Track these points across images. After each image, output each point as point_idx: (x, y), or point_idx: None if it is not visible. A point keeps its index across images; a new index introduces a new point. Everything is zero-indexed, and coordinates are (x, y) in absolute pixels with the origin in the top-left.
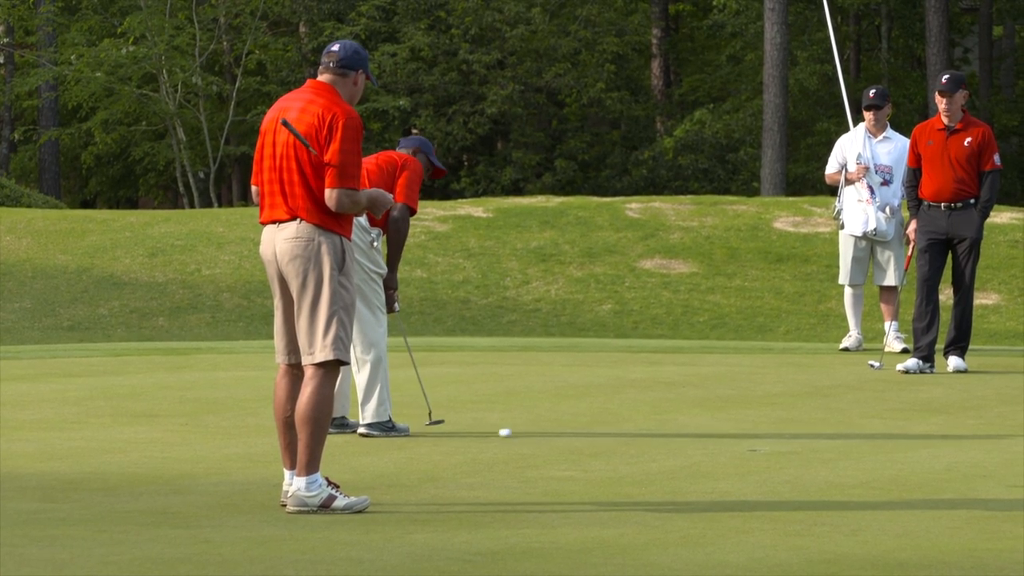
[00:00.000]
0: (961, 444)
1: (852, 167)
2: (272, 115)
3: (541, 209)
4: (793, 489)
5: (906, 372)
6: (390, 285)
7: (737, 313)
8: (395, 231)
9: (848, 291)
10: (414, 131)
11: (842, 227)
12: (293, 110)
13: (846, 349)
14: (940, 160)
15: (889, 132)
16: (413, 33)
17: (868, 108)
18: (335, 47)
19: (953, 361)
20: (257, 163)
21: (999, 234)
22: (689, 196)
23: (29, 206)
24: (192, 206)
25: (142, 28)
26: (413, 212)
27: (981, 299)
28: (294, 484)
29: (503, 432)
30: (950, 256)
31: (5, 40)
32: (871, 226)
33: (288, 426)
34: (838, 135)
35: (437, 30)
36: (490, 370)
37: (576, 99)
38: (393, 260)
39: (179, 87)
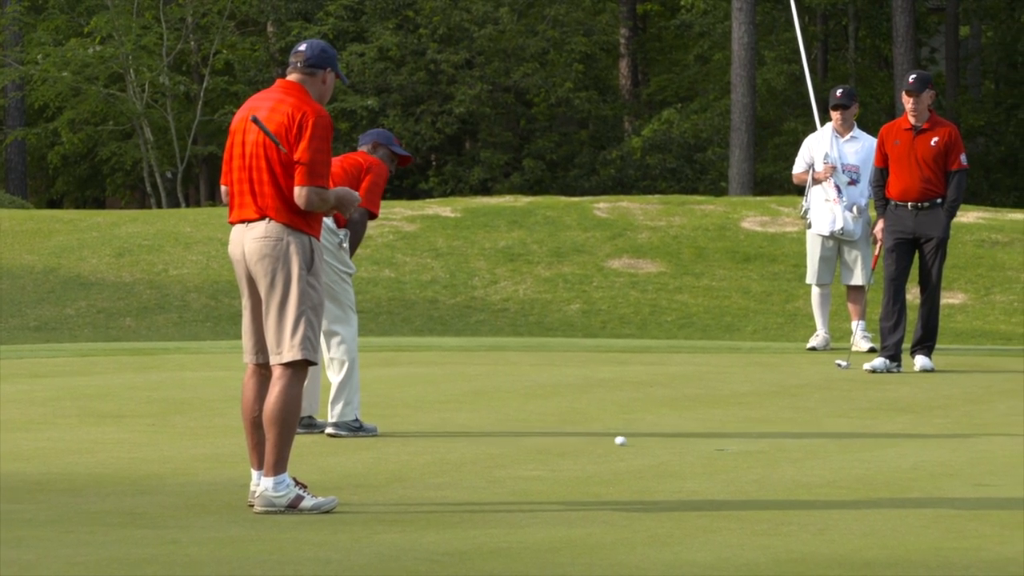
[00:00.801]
0: (928, 443)
1: (819, 167)
2: (242, 115)
3: (509, 209)
4: (760, 488)
5: (873, 371)
6: None
7: (705, 312)
8: (353, 233)
9: (815, 290)
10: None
11: (809, 226)
12: (263, 109)
13: (813, 348)
14: (907, 160)
15: (856, 132)
16: (381, 33)
17: (835, 108)
18: (302, 47)
19: (920, 360)
20: (227, 163)
21: (965, 233)
22: (657, 196)
23: None
24: (159, 206)
25: (109, 27)
26: (373, 216)
27: (947, 299)
28: (261, 484)
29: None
30: (917, 255)
31: None
32: (838, 226)
33: (256, 426)
34: (806, 135)
35: (405, 30)
36: (458, 370)
37: (544, 99)
38: None
39: (146, 87)
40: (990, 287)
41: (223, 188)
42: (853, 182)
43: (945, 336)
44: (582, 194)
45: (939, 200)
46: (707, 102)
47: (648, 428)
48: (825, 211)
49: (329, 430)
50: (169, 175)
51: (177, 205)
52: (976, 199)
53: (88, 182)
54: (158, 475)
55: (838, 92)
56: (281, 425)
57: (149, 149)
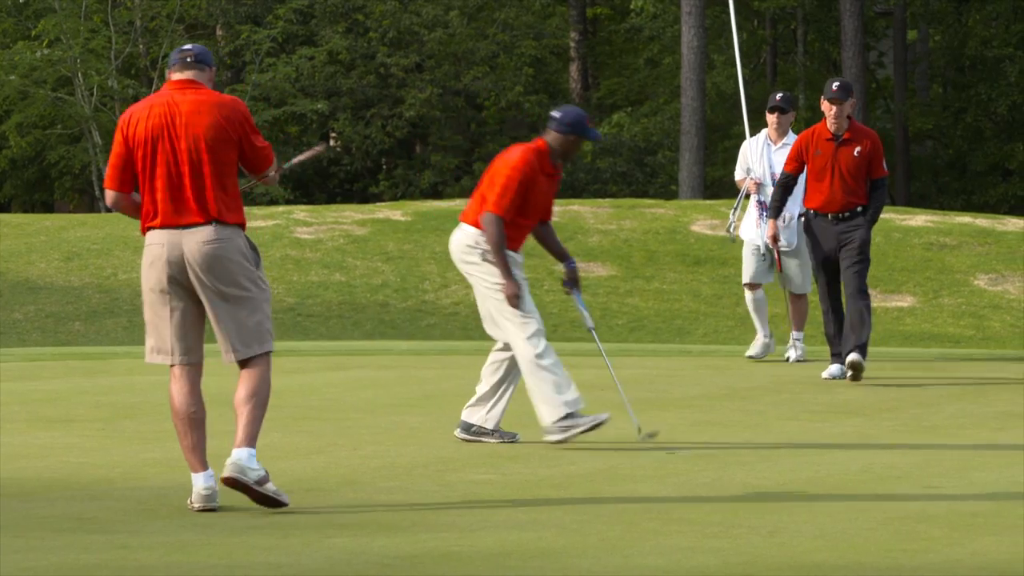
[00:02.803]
0: (877, 446)
1: (757, 172)
2: (156, 122)
3: (460, 212)
4: (711, 491)
5: (832, 378)
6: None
7: (655, 316)
8: (487, 237)
9: (747, 293)
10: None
11: (733, 241)
12: (181, 114)
13: (752, 358)
14: (829, 171)
15: (789, 139)
16: (331, 36)
17: (772, 110)
18: (186, 47)
19: (852, 356)
20: (142, 171)
21: (914, 236)
22: (607, 199)
23: None
24: (108, 210)
25: (57, 31)
26: (502, 219)
27: (896, 301)
28: (237, 455)
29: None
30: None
31: None
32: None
33: (194, 426)
34: (740, 141)
35: (355, 33)
36: (409, 373)
37: (495, 102)
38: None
39: (95, 90)
40: (938, 290)
41: (113, 194)
42: None
43: (893, 339)
44: None
45: (860, 209)
46: (657, 106)
47: (599, 431)
48: (757, 222)
49: (555, 437)
50: None
51: None
52: (924, 203)
53: (36, 186)
54: (108, 480)
55: (778, 96)
56: (263, 406)
57: (98, 153)
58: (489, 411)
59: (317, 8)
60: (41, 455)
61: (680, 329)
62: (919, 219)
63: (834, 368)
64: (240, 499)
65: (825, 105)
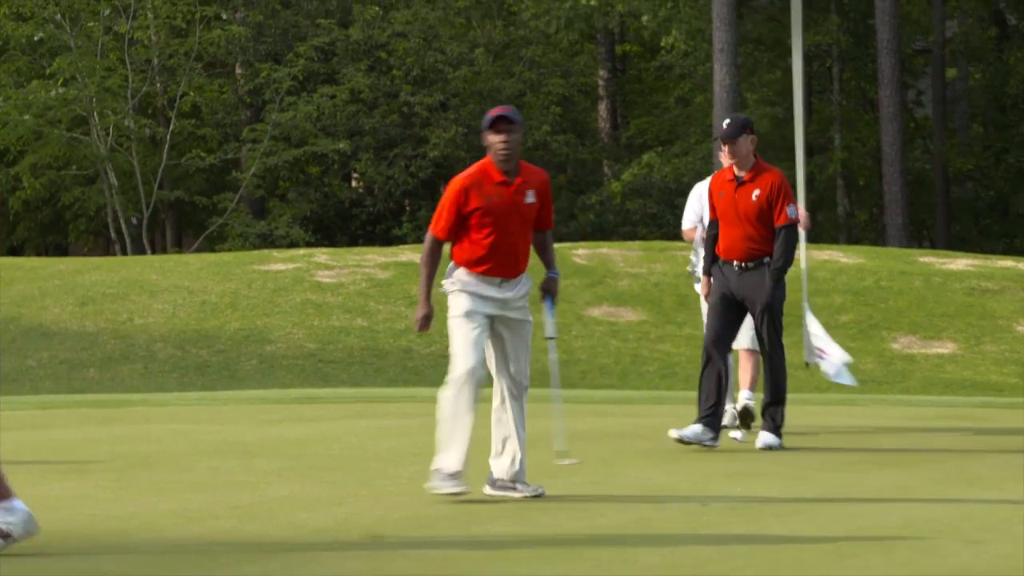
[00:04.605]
0: (918, 499)
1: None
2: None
3: None
4: (745, 544)
5: (680, 440)
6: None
7: (688, 362)
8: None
9: (742, 357)
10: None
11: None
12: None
13: (725, 426)
14: (731, 214)
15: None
16: (353, 74)
17: (723, 139)
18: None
19: (761, 437)
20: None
21: (955, 281)
22: (638, 242)
23: None
24: (124, 253)
25: (72, 69)
26: (436, 239)
27: (936, 348)
28: None
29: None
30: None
31: None
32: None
33: None
34: (789, 179)
35: (378, 71)
36: (434, 422)
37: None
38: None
39: (111, 130)
40: (980, 336)
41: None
42: None
43: (934, 387)
44: (560, 240)
45: (765, 260)
46: (688, 145)
47: (630, 482)
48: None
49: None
50: (134, 221)
51: (142, 252)
52: (965, 246)
53: (50, 228)
54: (123, 532)
55: (725, 122)
56: None
57: (113, 194)
58: (507, 464)
59: (339, 46)
60: (54, 506)
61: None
62: (960, 263)
63: (689, 429)
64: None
65: (721, 146)
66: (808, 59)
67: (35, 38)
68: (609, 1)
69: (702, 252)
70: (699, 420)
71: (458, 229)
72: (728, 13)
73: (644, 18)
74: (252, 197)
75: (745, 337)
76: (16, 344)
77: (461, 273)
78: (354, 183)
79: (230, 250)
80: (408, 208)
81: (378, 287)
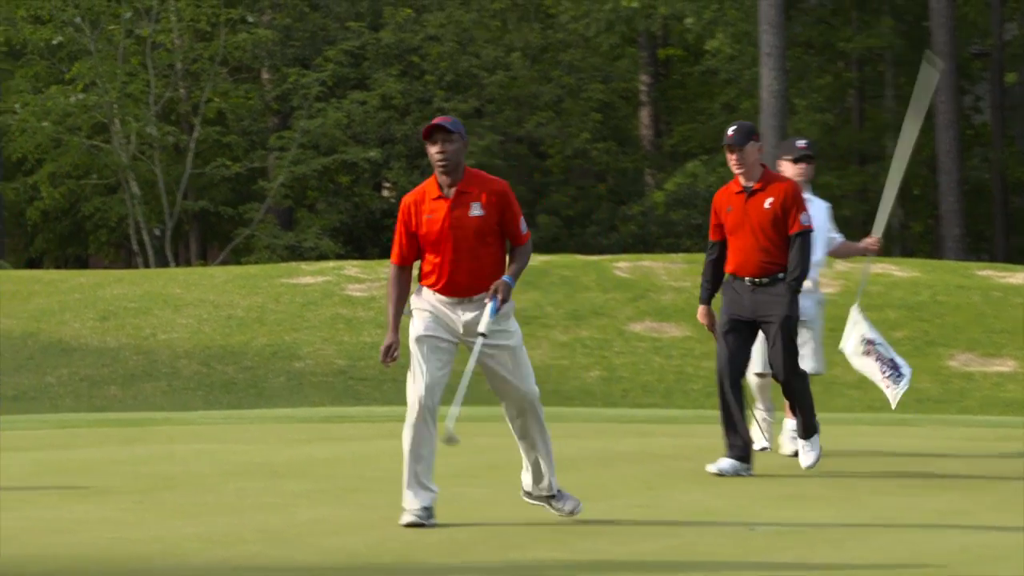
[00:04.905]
0: (976, 525)
1: None
2: None
3: None
4: (797, 572)
5: (720, 474)
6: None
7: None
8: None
9: (753, 380)
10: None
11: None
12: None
13: (763, 449)
14: (741, 228)
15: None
16: (384, 80)
17: (802, 159)
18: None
19: (801, 458)
20: None
21: (1015, 295)
22: (681, 254)
23: None
24: (147, 265)
25: (92, 74)
26: (392, 265)
27: (996, 366)
28: None
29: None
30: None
31: None
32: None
33: None
34: (840, 189)
35: (410, 76)
36: (469, 442)
37: (559, 150)
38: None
39: (132, 137)
40: None
41: None
42: None
43: (994, 406)
44: (601, 252)
45: (781, 275)
46: None
47: (674, 505)
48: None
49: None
50: (157, 232)
51: (166, 264)
52: None
53: (70, 240)
54: (145, 557)
55: (802, 142)
56: None
57: (135, 204)
58: (535, 481)
59: (369, 50)
60: (74, 529)
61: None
62: (1020, 276)
63: (724, 464)
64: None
65: (727, 155)
66: (860, 63)
67: (54, 42)
68: (652, 3)
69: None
70: (730, 455)
71: (413, 249)
72: (776, 15)
73: (688, 20)
74: (280, 207)
75: (806, 362)
76: (35, 360)
77: (419, 294)
78: (386, 193)
79: (257, 263)
80: None
81: None
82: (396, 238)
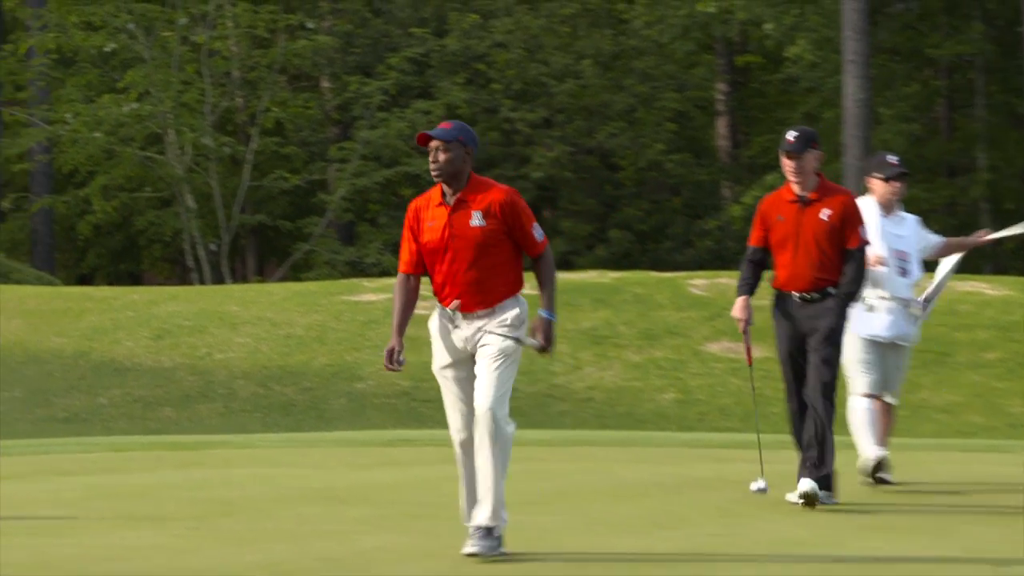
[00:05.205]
0: None
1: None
2: None
3: (594, 285)
4: None
5: (807, 501)
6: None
7: None
8: None
9: (859, 402)
10: None
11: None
12: None
13: (882, 480)
14: (793, 239)
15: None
16: (449, 88)
17: (896, 178)
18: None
19: (802, 484)
20: None
21: None
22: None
23: (20, 283)
24: (202, 282)
25: (146, 83)
26: (399, 272)
27: None
28: None
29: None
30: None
31: None
32: (896, 330)
33: None
34: (928, 203)
35: (476, 85)
36: (537, 467)
37: (632, 162)
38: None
39: (188, 148)
40: None
41: None
42: (904, 272)
43: None
44: (675, 269)
45: (832, 289)
46: None
47: (754, 535)
48: (879, 308)
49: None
50: (213, 247)
51: (222, 281)
52: None
53: (123, 255)
54: None
55: (893, 158)
56: None
57: (191, 218)
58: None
59: (434, 57)
60: (127, 557)
61: (846, 419)
62: None
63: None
64: None
65: (783, 160)
66: (948, 71)
67: (106, 49)
68: (729, 8)
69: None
70: (823, 487)
71: (420, 256)
72: (860, 20)
73: (767, 26)
74: (340, 221)
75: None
76: (87, 380)
77: (436, 311)
78: None
79: (317, 279)
80: None
81: None
82: (402, 244)
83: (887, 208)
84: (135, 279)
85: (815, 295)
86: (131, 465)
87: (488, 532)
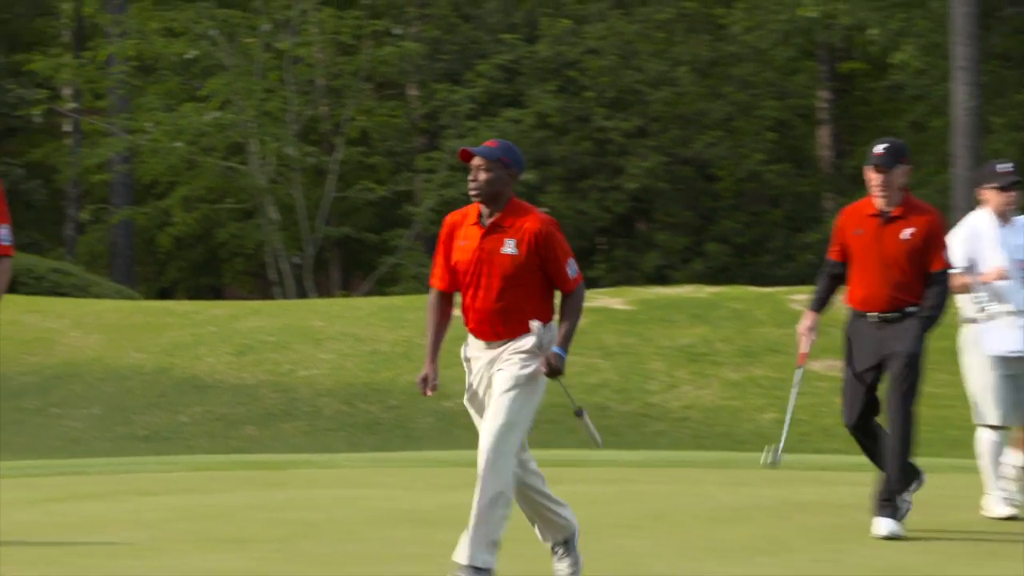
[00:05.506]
0: None
1: (989, 263)
2: None
3: (690, 300)
4: None
5: (892, 537)
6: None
7: (924, 425)
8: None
9: (988, 435)
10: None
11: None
12: None
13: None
14: (872, 256)
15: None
16: (540, 96)
17: (1010, 187)
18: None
19: (883, 524)
20: None
21: None
22: None
23: (99, 296)
24: (285, 296)
25: (227, 91)
26: (431, 289)
27: None
28: None
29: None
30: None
31: (72, 105)
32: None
33: None
34: None
35: (568, 93)
36: (631, 488)
37: (730, 172)
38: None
39: (270, 158)
40: None
41: None
42: None
43: None
44: (775, 284)
45: (912, 309)
46: (922, 177)
47: (858, 562)
48: (1003, 323)
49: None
50: (296, 260)
51: (305, 295)
52: None
53: (204, 268)
54: None
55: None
56: None
57: (273, 230)
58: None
59: (524, 64)
60: None
61: (955, 441)
62: None
63: (886, 525)
64: None
65: (869, 174)
66: None
67: (187, 56)
68: (832, 12)
69: (983, 300)
70: (881, 513)
71: (454, 274)
72: (970, 25)
73: (872, 31)
74: (427, 234)
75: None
76: (167, 397)
77: (468, 338)
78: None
79: (403, 293)
80: (603, 247)
81: None
82: (435, 258)
83: (1003, 218)
84: (216, 293)
85: (893, 315)
86: (212, 485)
87: (471, 570)
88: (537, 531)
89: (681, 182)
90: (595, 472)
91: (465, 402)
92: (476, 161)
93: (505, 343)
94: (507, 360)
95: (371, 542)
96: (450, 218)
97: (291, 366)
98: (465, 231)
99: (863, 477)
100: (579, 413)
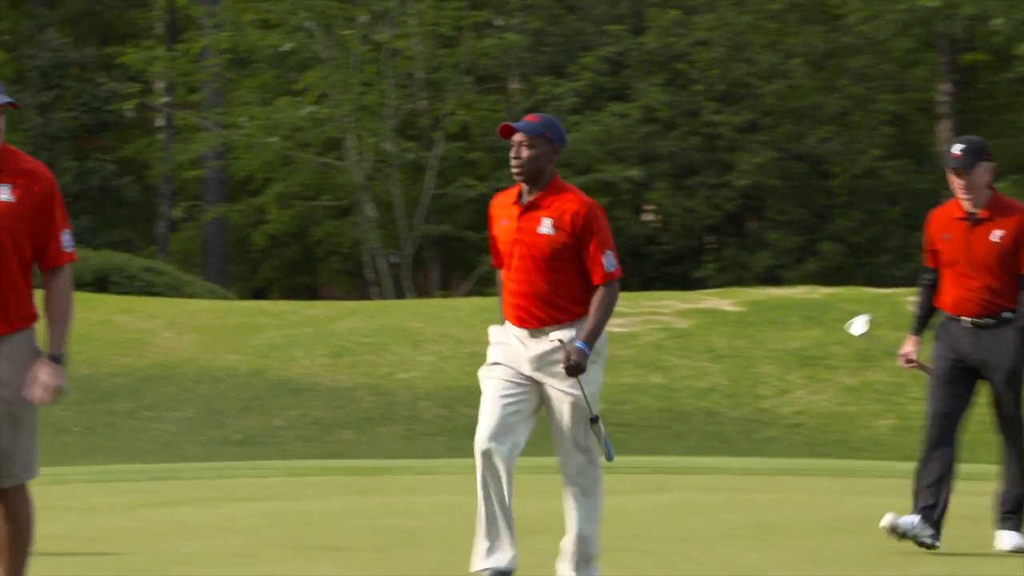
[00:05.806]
0: None
1: None
2: None
3: (803, 302)
4: None
5: (894, 530)
6: None
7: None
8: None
9: None
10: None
11: None
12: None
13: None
14: (962, 260)
15: None
16: (647, 90)
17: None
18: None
19: (1007, 538)
20: None
21: None
22: None
23: (192, 296)
24: (383, 296)
25: (324, 84)
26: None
27: None
28: None
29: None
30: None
31: (165, 99)
32: None
33: None
34: None
35: (676, 86)
36: (742, 497)
37: (846, 169)
38: None
39: (368, 154)
40: None
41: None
42: None
43: None
44: (893, 285)
45: (1008, 315)
46: None
47: (984, 574)
48: None
49: None
50: (394, 259)
51: (403, 295)
52: None
53: (299, 267)
54: None
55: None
56: (30, 543)
57: (371, 228)
58: (562, 556)
59: (630, 56)
60: None
61: None
62: None
63: (905, 520)
64: None
65: (950, 176)
66: None
67: (283, 48)
68: (953, 2)
69: None
70: (918, 512)
71: None
72: None
73: (996, 21)
74: None
75: None
76: (261, 401)
77: (502, 321)
78: (649, 217)
79: None
80: (711, 246)
81: (676, 338)
82: (490, 239)
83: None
84: (312, 293)
85: (988, 320)
86: (307, 491)
87: None
88: (483, 543)
89: (794, 179)
90: (703, 480)
91: (481, 377)
92: (518, 137)
93: (545, 329)
94: (562, 380)
95: (470, 551)
96: (495, 198)
97: (389, 368)
98: (505, 211)
99: (985, 487)
100: (594, 419)
